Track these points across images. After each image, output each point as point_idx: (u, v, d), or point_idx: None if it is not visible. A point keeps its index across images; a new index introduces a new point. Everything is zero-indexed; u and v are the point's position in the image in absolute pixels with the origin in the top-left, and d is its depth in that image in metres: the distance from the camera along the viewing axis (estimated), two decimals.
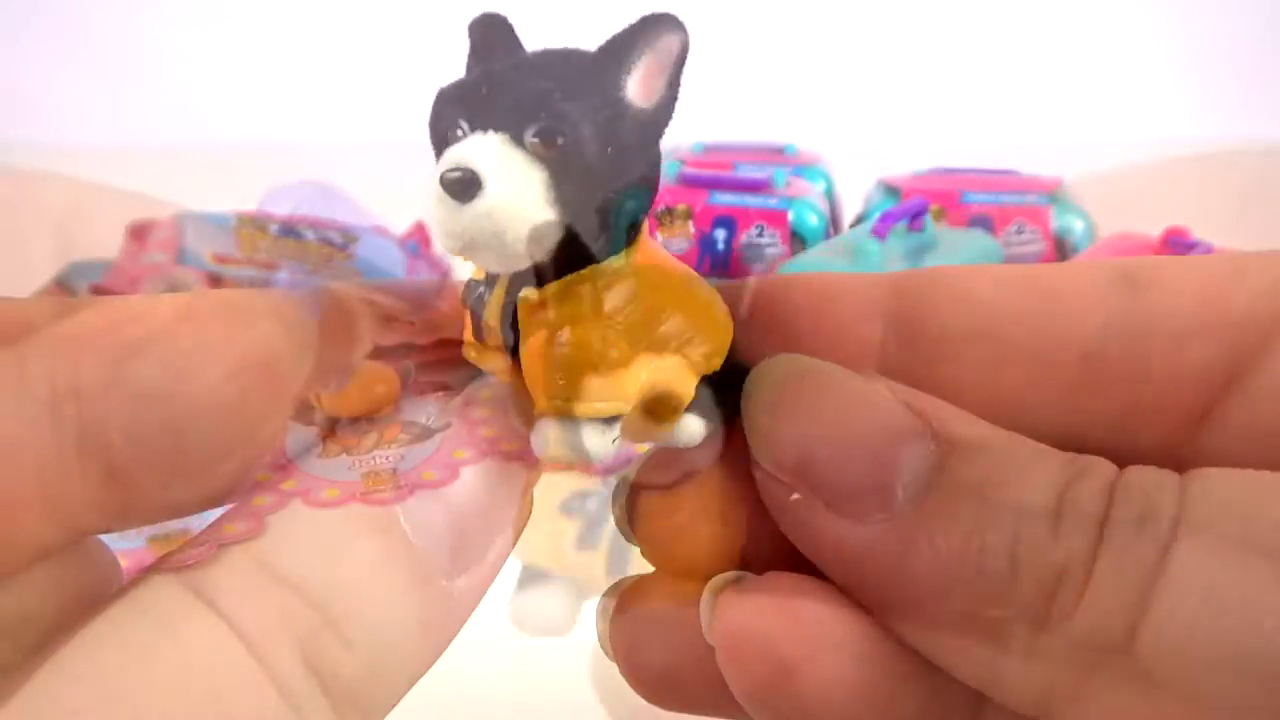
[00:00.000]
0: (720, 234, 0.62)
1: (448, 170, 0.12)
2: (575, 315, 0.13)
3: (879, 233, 0.49)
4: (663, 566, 0.16)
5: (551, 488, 0.15)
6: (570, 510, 0.14)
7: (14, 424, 0.12)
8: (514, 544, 0.14)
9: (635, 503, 0.16)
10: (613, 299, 0.14)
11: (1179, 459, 0.16)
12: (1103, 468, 0.13)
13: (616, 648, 0.16)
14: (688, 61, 0.13)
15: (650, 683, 0.16)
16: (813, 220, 0.62)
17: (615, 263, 0.14)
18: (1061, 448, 0.18)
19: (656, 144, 0.14)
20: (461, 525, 0.13)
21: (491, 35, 0.14)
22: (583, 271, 0.13)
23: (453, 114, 0.13)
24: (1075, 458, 0.13)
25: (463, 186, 0.12)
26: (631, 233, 0.14)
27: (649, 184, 0.14)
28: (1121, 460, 0.14)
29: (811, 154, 0.78)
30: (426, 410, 0.14)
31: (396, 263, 0.69)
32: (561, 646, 0.36)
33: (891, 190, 0.68)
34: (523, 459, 0.17)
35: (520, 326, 0.14)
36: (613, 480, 0.15)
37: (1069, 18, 1.25)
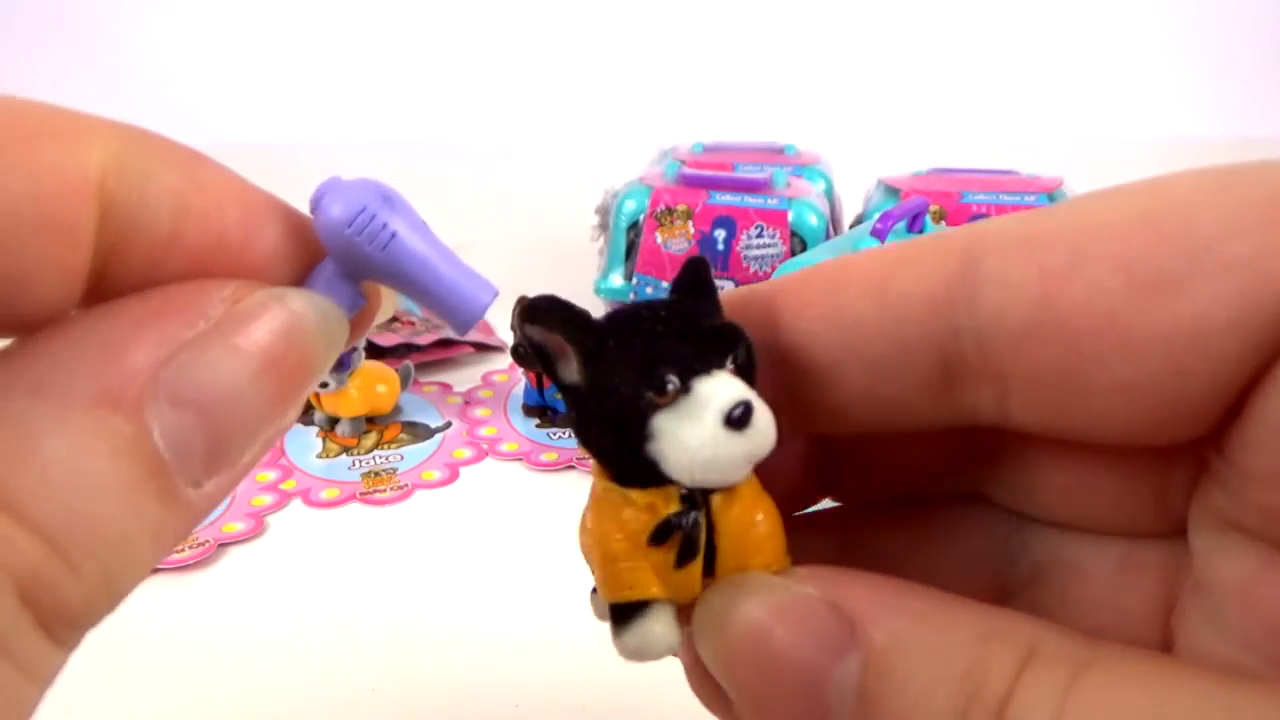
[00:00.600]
0: (720, 234, 0.62)
1: (734, 408, 0.15)
2: (760, 493, 0.16)
3: (879, 233, 0.49)
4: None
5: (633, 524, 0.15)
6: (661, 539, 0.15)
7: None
8: (275, 442, 0.14)
9: None
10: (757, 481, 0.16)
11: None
12: (995, 683, 0.13)
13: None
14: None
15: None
16: (813, 220, 0.62)
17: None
18: (959, 445, 0.19)
19: None
20: (221, 431, 0.13)
21: (565, 316, 0.16)
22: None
23: (659, 372, 0.15)
24: (976, 664, 0.14)
25: (748, 415, 0.15)
26: None
27: None
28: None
29: (811, 154, 0.78)
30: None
31: None
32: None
33: (891, 190, 0.68)
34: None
35: (720, 525, 0.16)
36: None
37: (1069, 18, 1.25)
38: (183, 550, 0.41)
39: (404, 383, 0.53)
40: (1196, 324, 0.13)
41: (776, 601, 0.15)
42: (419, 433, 0.52)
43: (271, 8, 1.22)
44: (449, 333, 0.60)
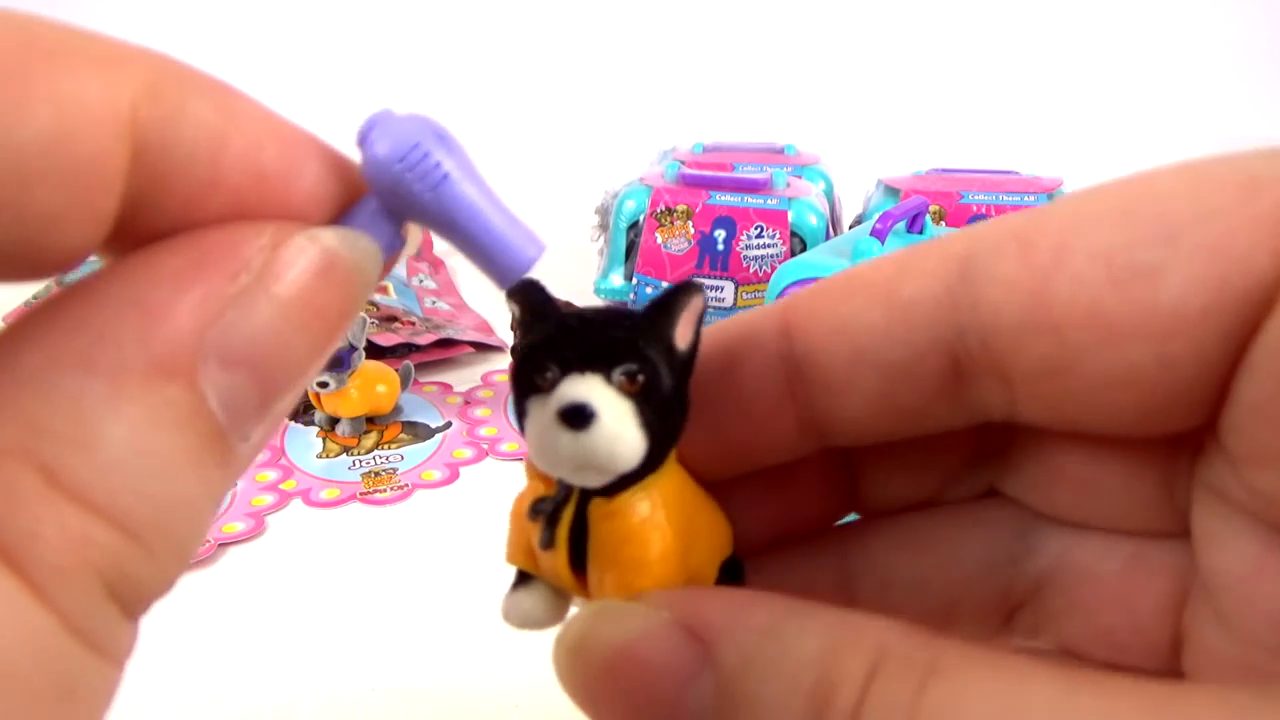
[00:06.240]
0: (720, 234, 0.62)
1: (566, 406, 0.15)
2: (643, 519, 0.16)
3: (879, 233, 0.49)
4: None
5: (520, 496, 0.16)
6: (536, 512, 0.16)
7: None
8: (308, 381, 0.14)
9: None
10: (668, 504, 0.17)
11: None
12: (844, 695, 0.13)
13: None
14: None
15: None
16: (813, 220, 0.62)
17: (663, 475, 0.17)
18: (974, 445, 0.19)
19: (688, 380, 0.17)
20: (269, 385, 0.13)
21: (534, 298, 0.17)
22: (644, 482, 0.16)
23: (542, 360, 0.16)
24: (823, 677, 0.14)
25: (581, 419, 0.15)
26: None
27: (686, 410, 0.17)
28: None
29: (811, 154, 0.78)
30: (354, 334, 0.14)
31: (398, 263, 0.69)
32: None
33: (891, 190, 0.68)
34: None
35: (591, 530, 0.16)
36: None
37: (1069, 18, 1.25)
38: None
39: (404, 383, 0.53)
40: (1176, 310, 0.13)
41: (631, 628, 0.15)
42: (419, 433, 0.52)
43: (271, 7, 1.22)
44: (449, 333, 0.60)
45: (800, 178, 0.69)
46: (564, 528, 0.17)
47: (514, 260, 0.15)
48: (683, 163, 0.69)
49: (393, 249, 0.15)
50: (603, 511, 0.16)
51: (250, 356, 0.12)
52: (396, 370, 0.53)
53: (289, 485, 0.47)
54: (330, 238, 0.13)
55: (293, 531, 0.44)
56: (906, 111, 1.23)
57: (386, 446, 0.50)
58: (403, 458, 0.49)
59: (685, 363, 0.17)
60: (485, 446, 0.50)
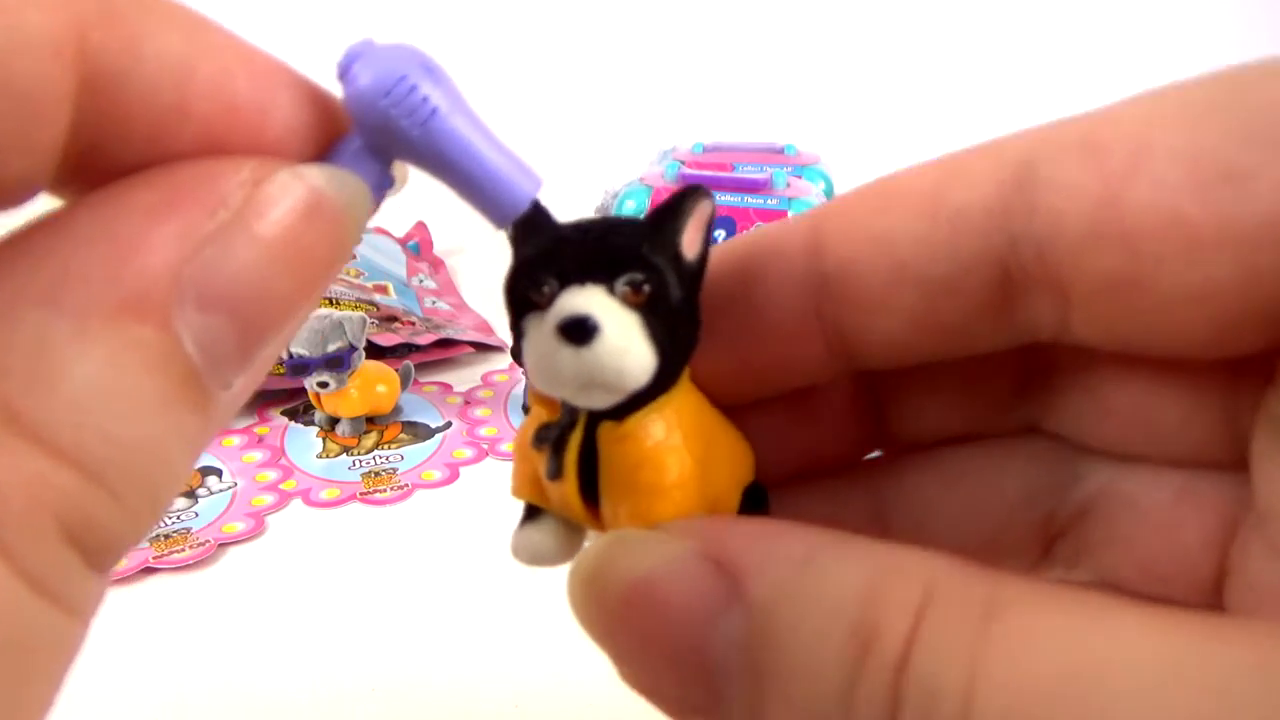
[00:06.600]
0: (720, 234, 0.62)
1: (565, 319, 0.14)
2: (657, 442, 0.15)
3: None
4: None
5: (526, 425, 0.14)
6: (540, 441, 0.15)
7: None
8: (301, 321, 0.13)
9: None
10: (684, 426, 0.15)
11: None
12: (891, 633, 0.12)
13: None
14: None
15: None
16: None
17: (677, 395, 0.15)
18: (1014, 373, 0.17)
19: (699, 292, 0.15)
20: (251, 329, 0.12)
21: (529, 213, 0.15)
22: (657, 402, 0.15)
23: (538, 273, 0.15)
24: (866, 612, 0.12)
25: (583, 332, 0.14)
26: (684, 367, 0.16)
27: (698, 325, 0.15)
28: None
29: (811, 154, 0.78)
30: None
31: (398, 263, 0.69)
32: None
33: None
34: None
35: (602, 456, 0.15)
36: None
37: (1070, 19, 1.25)
38: (183, 550, 0.41)
39: (404, 383, 0.53)
40: (1268, 219, 0.12)
41: (651, 560, 0.14)
42: (419, 433, 0.52)
43: (269, 6, 1.22)
44: (449, 333, 0.60)
45: (800, 178, 0.69)
46: (572, 454, 0.15)
47: (510, 197, 0.14)
48: (683, 163, 0.69)
49: (382, 190, 0.14)
50: (613, 435, 0.15)
51: (230, 298, 0.11)
52: (396, 370, 0.53)
53: (289, 485, 0.47)
54: (317, 175, 0.12)
55: (293, 531, 0.44)
56: (907, 112, 1.23)
57: (386, 446, 0.50)
58: (403, 458, 0.49)
59: (694, 274, 0.15)
60: (485, 446, 0.50)
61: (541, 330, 0.14)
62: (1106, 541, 0.17)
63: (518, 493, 0.17)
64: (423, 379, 0.57)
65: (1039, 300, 0.15)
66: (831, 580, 0.13)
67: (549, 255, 0.15)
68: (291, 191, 0.12)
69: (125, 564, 0.39)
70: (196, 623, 0.38)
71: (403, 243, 0.73)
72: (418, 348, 0.58)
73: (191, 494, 0.46)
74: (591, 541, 0.16)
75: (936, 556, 0.13)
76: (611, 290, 0.14)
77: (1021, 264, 0.14)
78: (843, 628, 0.12)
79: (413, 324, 0.60)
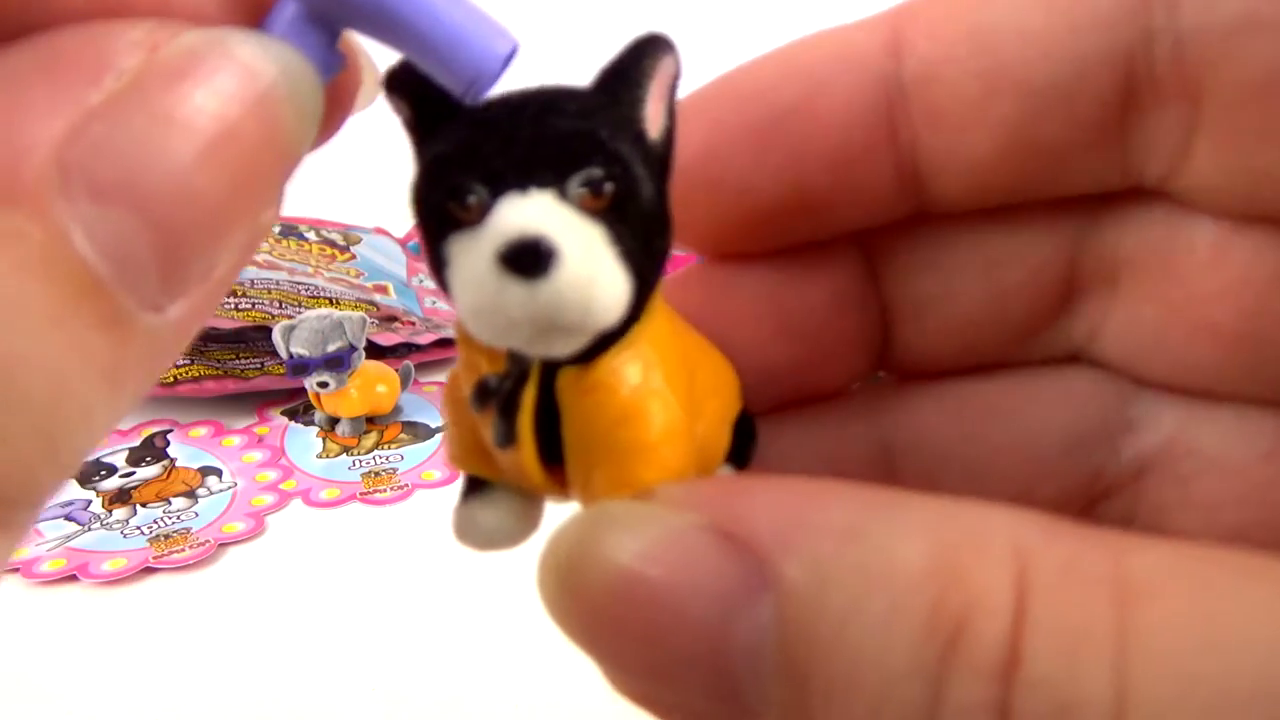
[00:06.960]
0: None
1: (509, 244, 0.10)
2: (634, 388, 0.12)
3: None
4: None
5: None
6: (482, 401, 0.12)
7: None
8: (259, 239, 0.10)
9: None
10: (664, 362, 0.12)
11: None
12: (988, 624, 0.09)
13: None
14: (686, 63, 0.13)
15: None
16: None
17: (649, 321, 0.12)
18: (1063, 278, 0.14)
19: (668, 182, 0.12)
20: (171, 232, 0.09)
21: (426, 84, 0.11)
22: (627, 337, 0.12)
23: (461, 177, 0.11)
24: (945, 594, 0.09)
25: (536, 261, 0.10)
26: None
27: (670, 227, 0.12)
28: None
29: None
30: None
31: (398, 263, 0.69)
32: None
33: None
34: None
35: (565, 412, 0.12)
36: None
37: None
38: (183, 550, 0.41)
39: (404, 383, 0.53)
40: None
41: (643, 539, 0.11)
42: (419, 433, 0.52)
43: None
44: (449, 332, 0.60)
45: None
46: (526, 416, 0.12)
47: (479, 59, 0.11)
48: None
49: (330, 69, 0.11)
50: (579, 386, 0.12)
51: (130, 188, 0.09)
52: (396, 370, 0.53)
53: (289, 485, 0.47)
54: (244, 46, 0.10)
55: (293, 531, 0.44)
56: None
57: (386, 446, 0.50)
58: (403, 458, 0.49)
59: (662, 158, 0.12)
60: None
61: (475, 258, 0.11)
62: (1178, 504, 0.14)
63: (459, 462, 0.13)
64: (423, 379, 0.57)
65: (1164, 117, 0.12)
66: (888, 555, 0.10)
67: (471, 151, 0.11)
68: (212, 65, 0.10)
69: (125, 564, 0.39)
70: (196, 623, 0.38)
71: (403, 243, 0.73)
72: (418, 348, 0.58)
73: (191, 494, 0.46)
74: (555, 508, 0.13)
75: (1017, 514, 0.10)
76: (563, 193, 0.11)
77: (1152, 67, 0.12)
78: (913, 620, 0.09)
79: (413, 324, 0.60)
